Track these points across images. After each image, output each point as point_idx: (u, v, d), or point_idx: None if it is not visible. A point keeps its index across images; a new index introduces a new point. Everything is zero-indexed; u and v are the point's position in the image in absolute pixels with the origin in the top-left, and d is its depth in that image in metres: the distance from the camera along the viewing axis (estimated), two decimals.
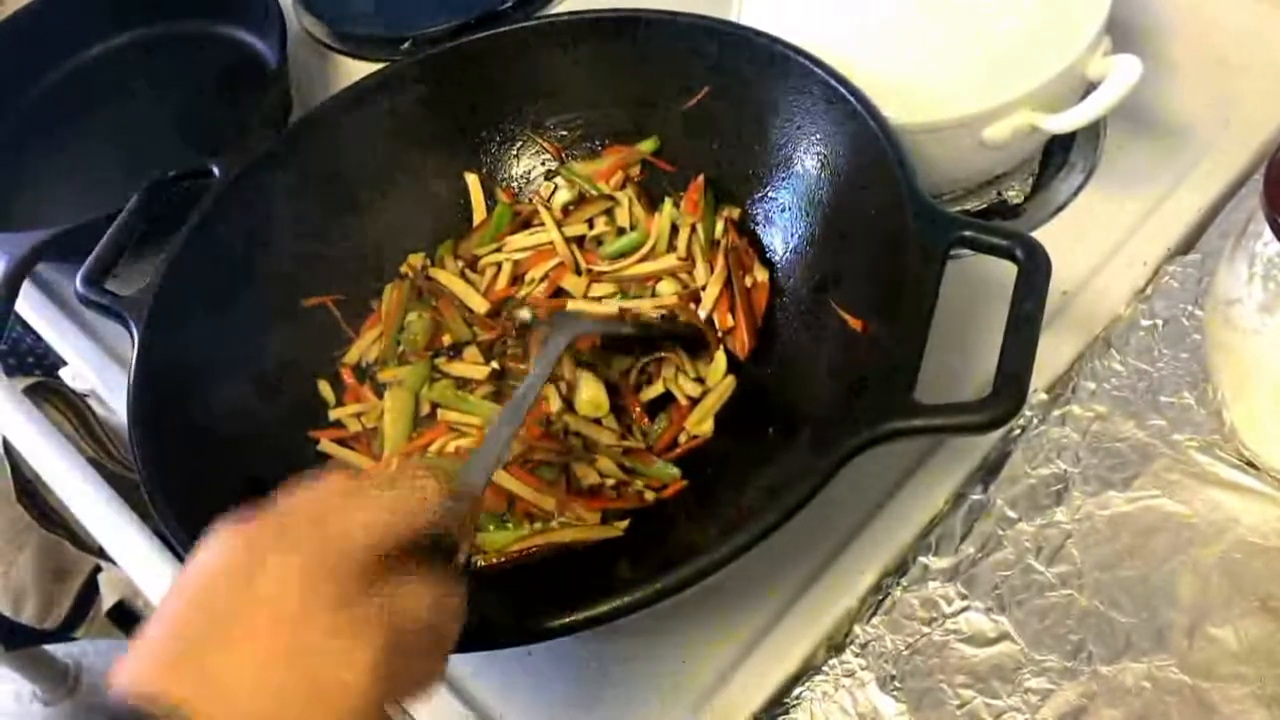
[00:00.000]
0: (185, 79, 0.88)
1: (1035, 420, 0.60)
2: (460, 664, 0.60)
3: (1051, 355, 0.62)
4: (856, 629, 0.55)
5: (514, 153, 0.76)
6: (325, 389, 0.68)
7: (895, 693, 0.53)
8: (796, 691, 0.55)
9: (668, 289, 0.68)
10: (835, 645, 0.56)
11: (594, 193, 0.73)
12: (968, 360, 0.62)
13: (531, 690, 0.59)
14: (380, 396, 0.67)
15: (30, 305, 0.84)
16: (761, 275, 0.67)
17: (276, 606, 0.38)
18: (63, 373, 0.83)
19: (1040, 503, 0.57)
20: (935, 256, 0.54)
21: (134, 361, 0.62)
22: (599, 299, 0.69)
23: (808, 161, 0.65)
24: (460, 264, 0.73)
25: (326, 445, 0.66)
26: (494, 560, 0.60)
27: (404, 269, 0.72)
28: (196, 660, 0.37)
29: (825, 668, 0.55)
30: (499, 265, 0.72)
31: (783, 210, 0.68)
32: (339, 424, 0.67)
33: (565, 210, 0.73)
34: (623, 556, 0.57)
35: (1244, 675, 0.51)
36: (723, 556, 0.48)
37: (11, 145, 0.92)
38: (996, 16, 0.68)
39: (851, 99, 0.62)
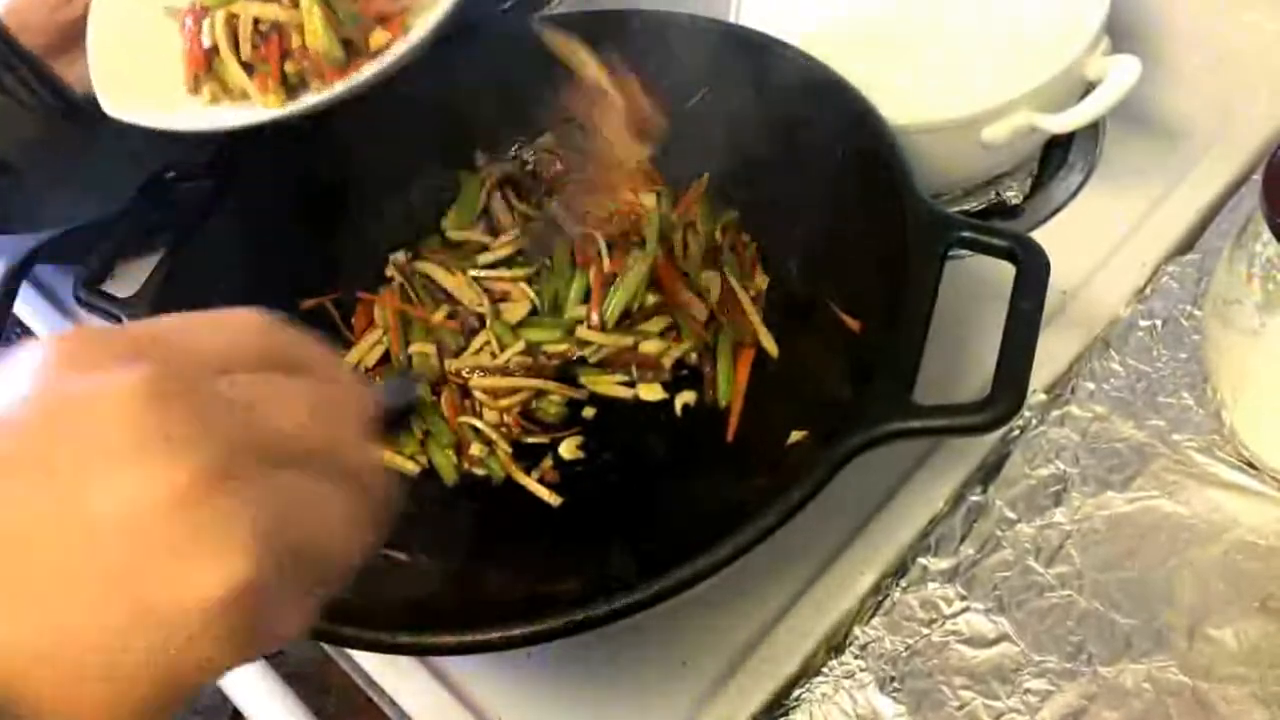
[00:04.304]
0: None
1: (1034, 421, 0.60)
2: (460, 664, 0.60)
3: (1050, 356, 0.62)
4: (856, 630, 0.55)
5: (512, 153, 0.76)
6: None
7: (895, 694, 0.53)
8: (796, 693, 0.55)
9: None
10: (835, 646, 0.56)
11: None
12: (967, 361, 0.62)
13: (531, 690, 0.59)
14: None
15: (29, 307, 0.83)
16: (762, 282, 0.67)
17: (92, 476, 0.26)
18: None
19: (1039, 503, 0.57)
20: (934, 257, 0.54)
21: None
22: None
23: (806, 162, 0.65)
24: (446, 253, 0.73)
25: None
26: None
27: (389, 272, 0.72)
28: None
29: (825, 669, 0.55)
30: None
31: (781, 211, 0.68)
32: None
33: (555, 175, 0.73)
34: (622, 557, 0.57)
35: (1243, 676, 0.51)
36: (723, 557, 0.48)
37: (18, 175, 0.92)
38: (995, 17, 0.68)
39: (850, 99, 0.62)
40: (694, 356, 0.65)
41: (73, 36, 0.65)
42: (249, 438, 0.29)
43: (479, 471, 0.64)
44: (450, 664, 0.60)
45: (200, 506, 0.27)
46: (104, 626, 0.26)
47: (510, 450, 0.64)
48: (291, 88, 0.62)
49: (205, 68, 0.64)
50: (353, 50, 0.62)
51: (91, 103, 0.64)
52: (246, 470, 0.28)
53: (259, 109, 0.62)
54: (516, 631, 0.49)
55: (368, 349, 0.70)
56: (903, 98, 0.64)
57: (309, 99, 0.61)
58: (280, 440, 0.30)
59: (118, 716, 0.27)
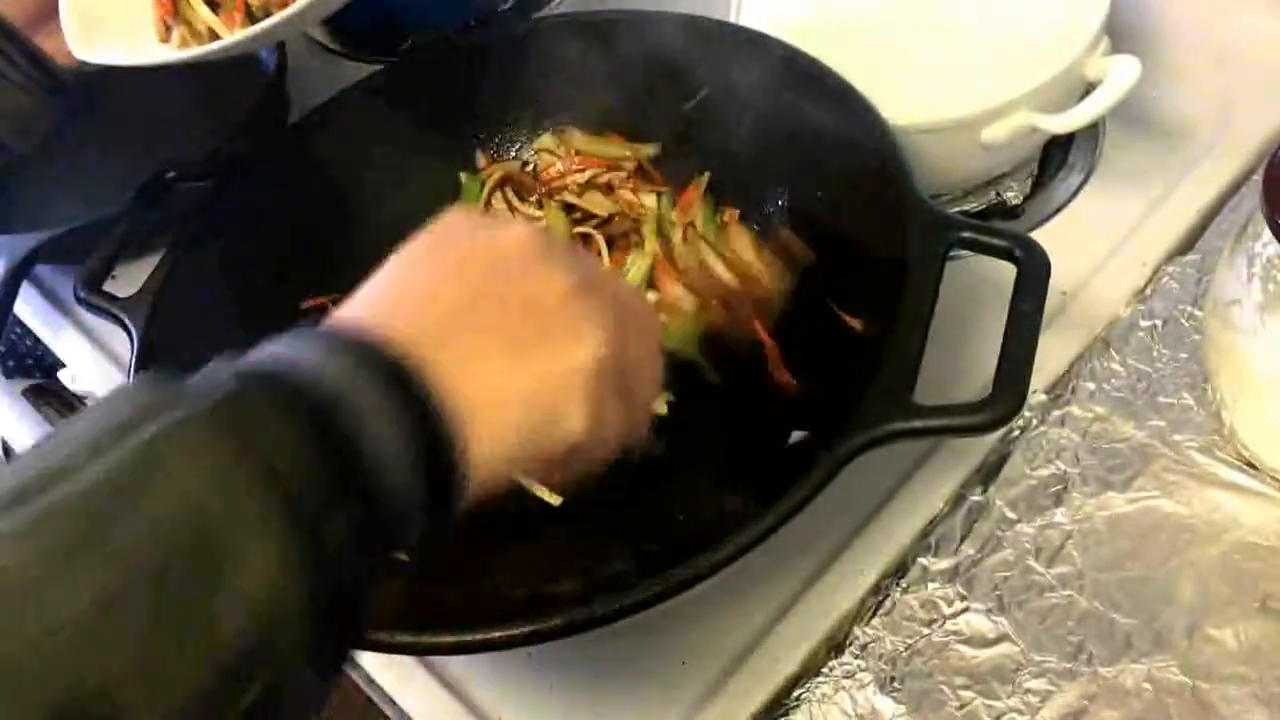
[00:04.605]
0: (183, 81, 0.88)
1: (1035, 421, 0.60)
2: (460, 665, 0.60)
3: (1051, 356, 0.62)
4: (856, 630, 0.55)
5: (513, 154, 0.76)
6: None
7: (895, 694, 0.53)
8: (796, 693, 0.55)
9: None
10: (835, 646, 0.56)
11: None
12: (967, 361, 0.62)
13: (531, 690, 0.59)
14: None
15: (29, 307, 0.84)
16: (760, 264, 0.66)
17: (525, 287, 0.40)
18: (62, 375, 0.83)
19: (1040, 504, 0.57)
20: (934, 257, 0.54)
21: (132, 364, 0.62)
22: None
23: (807, 162, 0.65)
24: None
25: None
26: None
27: None
28: (447, 326, 0.38)
29: (825, 669, 0.55)
30: None
31: (782, 211, 0.68)
32: None
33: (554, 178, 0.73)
34: (622, 557, 0.57)
35: (1244, 676, 0.51)
36: (723, 557, 0.48)
37: (8, 152, 0.92)
38: (996, 17, 0.68)
39: (850, 100, 0.62)
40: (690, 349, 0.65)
41: (50, 9, 0.65)
42: (598, 274, 0.42)
43: None
44: (450, 664, 0.60)
45: (582, 300, 0.40)
46: (521, 379, 0.38)
47: None
48: (256, 21, 0.63)
49: (173, 12, 0.64)
50: None
51: (76, 76, 0.64)
52: (603, 290, 0.41)
53: (227, 39, 0.62)
54: (516, 631, 0.49)
55: None
56: (903, 98, 0.64)
57: (271, 20, 0.61)
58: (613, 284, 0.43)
59: (505, 457, 0.38)
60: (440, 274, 0.40)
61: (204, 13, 0.63)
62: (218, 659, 0.29)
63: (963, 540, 0.57)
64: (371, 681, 0.60)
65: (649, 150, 0.73)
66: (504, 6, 0.92)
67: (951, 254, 0.54)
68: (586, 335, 0.39)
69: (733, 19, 0.73)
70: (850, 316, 0.60)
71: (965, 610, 0.55)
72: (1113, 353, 0.61)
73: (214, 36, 0.64)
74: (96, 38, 0.64)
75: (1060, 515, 0.57)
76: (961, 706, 0.52)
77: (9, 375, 0.85)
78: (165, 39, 0.66)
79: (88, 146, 0.90)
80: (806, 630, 0.56)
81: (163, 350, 0.63)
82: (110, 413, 0.32)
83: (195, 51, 0.62)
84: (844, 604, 0.57)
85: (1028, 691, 0.52)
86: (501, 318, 0.39)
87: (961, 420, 0.49)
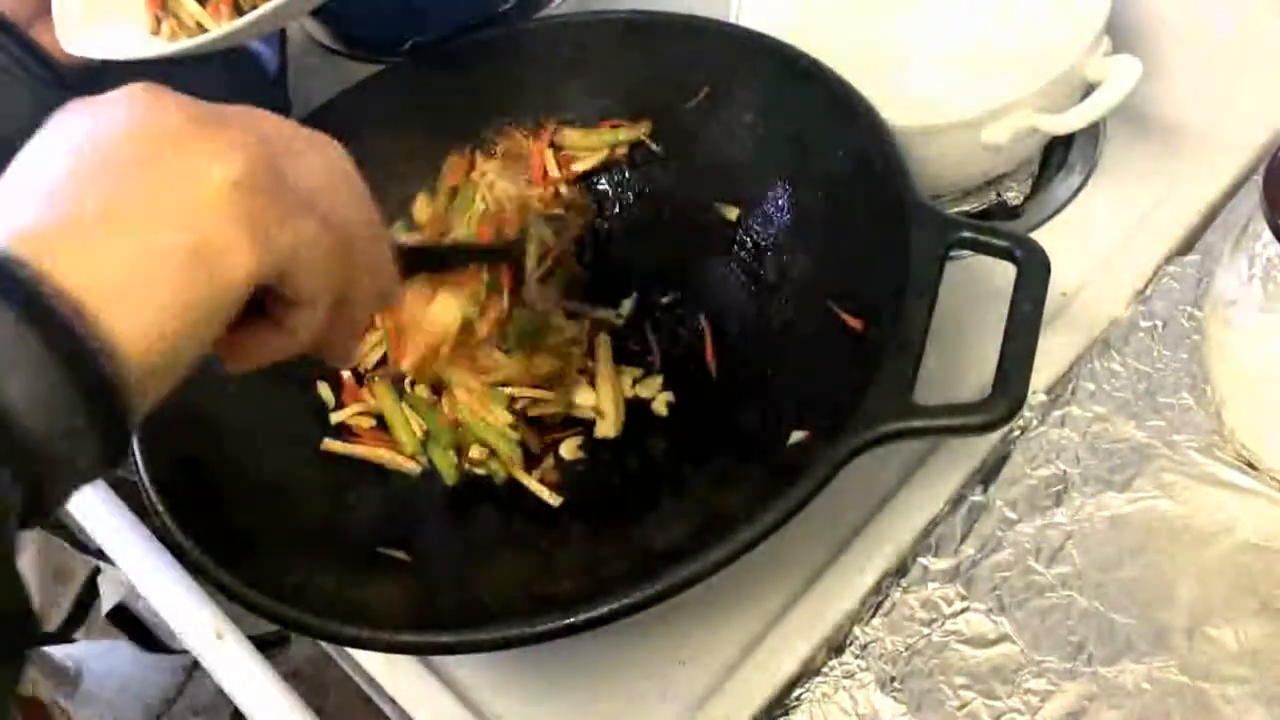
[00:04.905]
0: (183, 80, 0.88)
1: (1035, 421, 0.60)
2: (460, 664, 0.60)
3: (1051, 356, 0.62)
4: (856, 630, 0.55)
5: None
6: (324, 390, 0.68)
7: (895, 694, 0.53)
8: (796, 693, 0.55)
9: None
10: (835, 646, 0.56)
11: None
12: (967, 361, 0.62)
13: (531, 690, 0.59)
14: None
15: None
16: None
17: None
18: None
19: (1040, 504, 0.57)
20: (934, 258, 0.54)
21: None
22: None
23: (807, 163, 0.65)
24: None
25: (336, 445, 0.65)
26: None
27: None
28: (67, 229, 0.35)
29: (825, 669, 0.55)
30: None
31: (782, 211, 0.68)
32: (347, 431, 0.66)
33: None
34: (622, 558, 0.57)
35: (1244, 676, 0.51)
36: (722, 558, 0.48)
37: (10, 149, 0.92)
38: (996, 18, 0.69)
39: (850, 100, 0.62)
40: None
41: (46, 4, 0.65)
42: (219, 111, 0.40)
43: (480, 471, 0.64)
44: (450, 664, 0.60)
45: (193, 138, 0.37)
46: (150, 245, 0.35)
47: (520, 451, 0.64)
48: (243, 14, 0.63)
49: (162, 4, 0.65)
50: None
51: (76, 71, 0.64)
52: (224, 121, 0.39)
53: (214, 31, 0.62)
54: (516, 631, 0.49)
55: (367, 350, 0.69)
56: (903, 98, 0.64)
57: (256, 12, 0.60)
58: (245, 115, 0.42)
59: (167, 331, 0.34)
60: (49, 175, 0.37)
61: (191, 6, 0.63)
62: None
63: (963, 540, 0.57)
64: (371, 681, 0.60)
65: (637, 133, 0.72)
66: (504, 6, 0.92)
67: (951, 254, 0.54)
68: (203, 170, 0.36)
69: (733, 19, 0.73)
70: (850, 316, 0.60)
71: (965, 610, 0.55)
72: (1113, 353, 0.61)
73: (202, 29, 0.64)
74: (87, 31, 0.64)
75: (1060, 515, 0.57)
76: (961, 706, 0.52)
77: None
78: (156, 32, 0.66)
79: None
80: (806, 630, 0.56)
81: None
82: None
83: (183, 44, 0.62)
84: (844, 604, 0.57)
85: (1028, 691, 0.52)
86: (117, 193, 0.35)
87: (961, 420, 0.49)
